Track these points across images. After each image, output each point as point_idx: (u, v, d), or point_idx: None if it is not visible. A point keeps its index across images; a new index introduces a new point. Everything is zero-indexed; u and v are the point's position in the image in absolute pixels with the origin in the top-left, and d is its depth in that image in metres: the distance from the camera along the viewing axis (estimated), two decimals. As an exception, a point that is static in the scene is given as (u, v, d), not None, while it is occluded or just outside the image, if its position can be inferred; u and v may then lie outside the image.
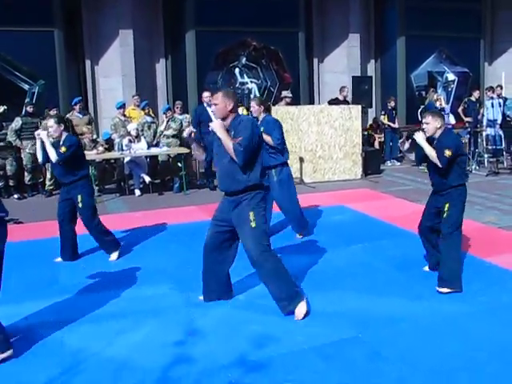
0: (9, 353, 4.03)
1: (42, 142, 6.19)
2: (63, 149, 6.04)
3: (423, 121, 5.33)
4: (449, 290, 5.06)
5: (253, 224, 4.52)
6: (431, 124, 5.24)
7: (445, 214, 5.24)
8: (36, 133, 6.38)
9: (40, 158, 6.37)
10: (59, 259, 6.44)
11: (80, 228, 6.48)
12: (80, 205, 6.25)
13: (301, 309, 4.61)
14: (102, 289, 5.47)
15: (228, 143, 4.46)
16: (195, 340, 4.26)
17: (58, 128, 6.14)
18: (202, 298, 5.03)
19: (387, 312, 4.65)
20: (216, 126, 4.56)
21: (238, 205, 4.57)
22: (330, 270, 5.69)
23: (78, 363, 3.96)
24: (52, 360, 4.04)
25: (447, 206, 5.23)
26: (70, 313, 4.83)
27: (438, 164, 5.13)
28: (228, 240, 4.79)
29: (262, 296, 5.09)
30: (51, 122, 6.18)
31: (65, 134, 6.19)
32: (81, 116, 11.07)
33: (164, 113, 11.00)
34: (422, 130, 5.29)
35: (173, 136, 10.86)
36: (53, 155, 6.08)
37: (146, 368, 3.84)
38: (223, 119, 4.60)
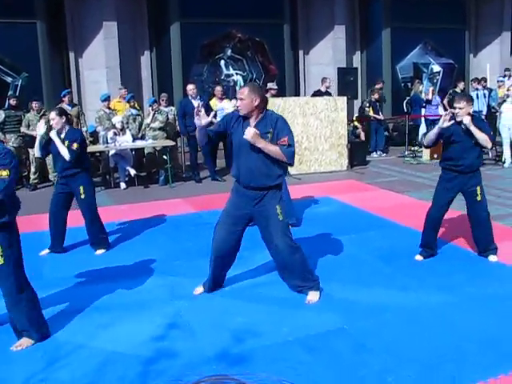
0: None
1: (42, 137, 6.24)
2: (75, 145, 6.00)
3: (456, 105, 5.40)
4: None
5: (280, 217, 4.57)
6: (465, 109, 5.33)
7: (478, 197, 5.49)
8: (39, 128, 6.37)
9: (37, 153, 6.40)
10: (45, 252, 6.39)
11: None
12: (82, 196, 6.21)
13: (315, 296, 4.77)
14: (87, 282, 5.44)
15: (273, 149, 4.38)
16: (180, 333, 4.25)
17: (59, 120, 6.08)
18: (199, 291, 4.99)
19: (373, 303, 4.66)
20: (251, 135, 4.36)
21: (261, 199, 4.56)
22: (316, 262, 5.67)
23: (62, 357, 3.95)
24: (35, 354, 4.02)
25: (479, 188, 5.48)
26: (54, 307, 4.80)
27: (489, 145, 5.40)
28: (242, 232, 4.76)
29: (248, 287, 5.11)
30: (53, 115, 6.11)
31: (67, 127, 6.17)
32: (70, 108, 10.93)
33: (150, 105, 10.92)
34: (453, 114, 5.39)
35: (159, 129, 10.79)
36: (65, 153, 6.04)
37: (129, 361, 3.83)
38: (248, 114, 4.49)
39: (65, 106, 10.79)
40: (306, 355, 3.83)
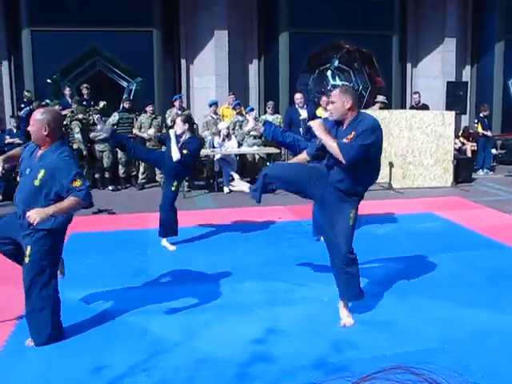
0: None
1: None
2: (185, 151, 6.53)
3: None
4: None
5: (351, 222, 4.42)
6: None
7: None
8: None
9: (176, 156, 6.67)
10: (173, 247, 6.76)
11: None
12: (172, 188, 6.70)
13: (349, 319, 4.58)
14: (188, 281, 5.60)
15: (330, 143, 4.19)
16: (277, 338, 4.30)
17: (182, 126, 6.65)
18: None
19: (476, 324, 4.53)
20: (315, 125, 4.34)
21: (338, 198, 4.43)
22: (418, 278, 5.58)
23: (161, 351, 4.09)
24: (136, 346, 4.19)
25: None
26: (155, 302, 4.98)
27: None
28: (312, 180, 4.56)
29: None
30: (178, 120, 6.76)
31: (188, 134, 6.70)
32: (179, 113, 11.32)
33: (246, 113, 11.08)
34: None
35: (259, 137, 10.95)
36: (175, 154, 6.54)
37: (226, 362, 3.91)
38: (341, 118, 4.30)
39: (175, 110, 11.18)
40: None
